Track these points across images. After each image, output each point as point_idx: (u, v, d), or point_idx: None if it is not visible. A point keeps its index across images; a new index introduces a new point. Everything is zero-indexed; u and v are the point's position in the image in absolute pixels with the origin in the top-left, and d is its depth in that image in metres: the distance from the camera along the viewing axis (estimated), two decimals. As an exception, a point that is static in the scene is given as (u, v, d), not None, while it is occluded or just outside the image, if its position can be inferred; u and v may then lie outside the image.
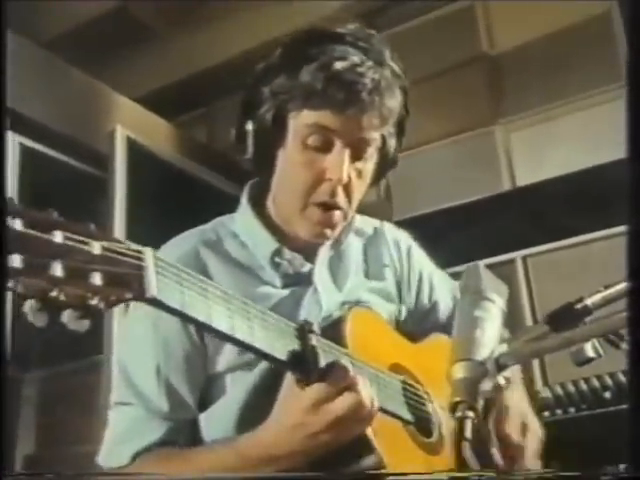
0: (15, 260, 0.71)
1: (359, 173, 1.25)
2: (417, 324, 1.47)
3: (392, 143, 1.30)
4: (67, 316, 0.75)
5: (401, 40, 4.32)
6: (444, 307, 1.52)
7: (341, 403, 1.02)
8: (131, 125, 3.96)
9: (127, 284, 0.80)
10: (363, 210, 1.50)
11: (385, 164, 1.32)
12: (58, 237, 0.76)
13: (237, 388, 1.22)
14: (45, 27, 4.26)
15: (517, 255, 3.89)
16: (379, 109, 1.20)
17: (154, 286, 0.83)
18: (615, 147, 3.44)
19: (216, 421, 1.23)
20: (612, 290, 0.97)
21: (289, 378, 1.05)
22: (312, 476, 1.11)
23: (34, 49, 3.65)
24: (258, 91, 1.23)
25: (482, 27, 4.40)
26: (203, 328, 0.97)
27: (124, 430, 1.22)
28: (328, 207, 1.23)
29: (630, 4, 1.04)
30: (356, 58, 1.19)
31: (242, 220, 1.33)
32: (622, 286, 0.96)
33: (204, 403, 1.25)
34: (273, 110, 1.21)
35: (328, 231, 1.26)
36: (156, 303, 0.85)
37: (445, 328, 1.48)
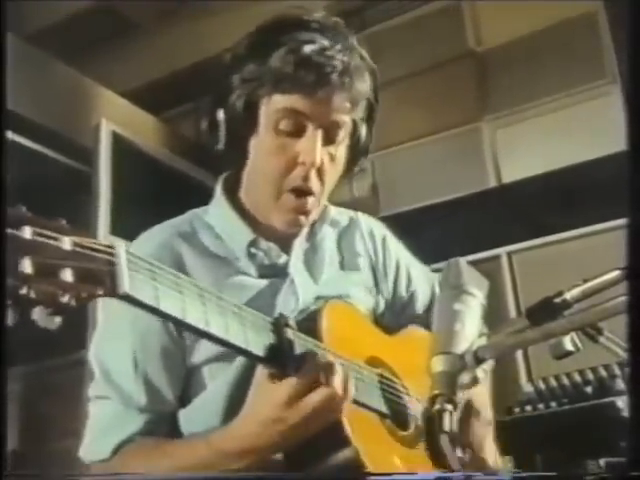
0: None
1: (332, 157, 1.25)
2: (395, 316, 1.47)
3: (363, 129, 1.31)
4: (37, 313, 0.74)
5: (388, 37, 4.32)
6: (422, 298, 1.52)
7: (315, 397, 1.02)
8: (116, 120, 3.94)
9: (99, 280, 0.79)
10: (349, 205, 1.50)
11: (357, 151, 1.32)
12: (27, 233, 0.74)
13: (217, 381, 1.21)
14: (30, 21, 4.23)
15: (502, 251, 3.90)
16: (349, 91, 1.20)
17: (126, 282, 0.82)
18: (601, 144, 3.47)
19: (199, 417, 1.22)
20: (591, 284, 0.97)
21: (260, 372, 1.05)
22: (297, 476, 1.10)
23: (19, 43, 3.62)
24: (228, 80, 1.23)
25: (469, 24, 4.41)
26: (177, 324, 0.95)
27: (104, 423, 1.21)
28: (301, 193, 1.23)
29: (630, 3, 1.04)
30: (325, 42, 1.20)
31: (217, 212, 1.33)
32: (601, 280, 0.96)
33: (186, 398, 1.24)
34: (244, 97, 1.21)
35: (302, 218, 1.26)
36: (128, 299, 0.83)
37: (423, 320, 1.49)
